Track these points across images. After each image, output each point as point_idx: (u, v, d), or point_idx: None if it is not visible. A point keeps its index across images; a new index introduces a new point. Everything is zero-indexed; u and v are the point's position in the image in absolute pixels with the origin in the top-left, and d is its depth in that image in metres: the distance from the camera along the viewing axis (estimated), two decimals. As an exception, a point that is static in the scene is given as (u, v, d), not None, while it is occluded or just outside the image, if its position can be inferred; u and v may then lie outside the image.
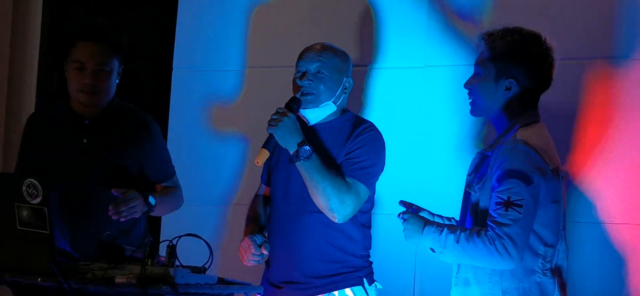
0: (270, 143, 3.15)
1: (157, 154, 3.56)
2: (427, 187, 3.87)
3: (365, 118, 3.46)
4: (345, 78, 3.25)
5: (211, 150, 4.38)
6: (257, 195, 3.48)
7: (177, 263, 2.75)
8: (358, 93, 3.99)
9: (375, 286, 3.27)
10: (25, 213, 2.75)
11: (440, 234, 2.83)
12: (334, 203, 3.10)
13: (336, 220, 3.13)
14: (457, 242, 2.79)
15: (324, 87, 3.21)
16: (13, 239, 2.77)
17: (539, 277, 2.86)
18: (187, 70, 4.43)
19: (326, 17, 4.19)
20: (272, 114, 3.15)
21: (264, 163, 3.28)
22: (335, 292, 3.20)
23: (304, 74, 3.21)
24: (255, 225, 3.37)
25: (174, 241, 2.77)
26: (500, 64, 2.94)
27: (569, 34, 3.55)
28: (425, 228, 2.87)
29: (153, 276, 2.68)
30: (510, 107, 2.95)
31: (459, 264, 2.98)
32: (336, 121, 3.26)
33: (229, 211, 4.30)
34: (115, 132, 3.46)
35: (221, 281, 2.88)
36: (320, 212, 3.17)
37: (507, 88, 2.94)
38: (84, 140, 3.43)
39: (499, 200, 2.78)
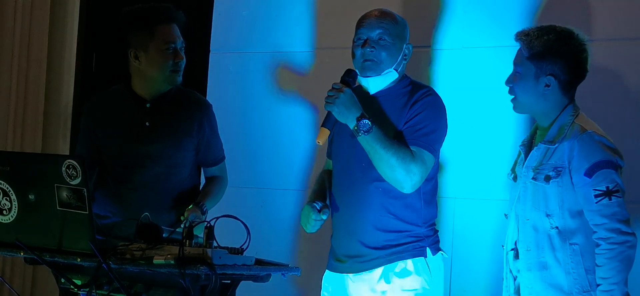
0: (329, 121, 3.13)
1: (213, 137, 3.65)
2: (491, 170, 3.90)
3: (428, 85, 3.43)
4: (405, 45, 3.21)
5: (248, 132, 4.40)
6: (323, 170, 3.47)
7: (214, 244, 2.78)
8: (422, 74, 4.02)
9: (441, 255, 3.25)
10: (65, 193, 2.78)
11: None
12: (400, 174, 3.07)
13: (404, 191, 3.11)
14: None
15: (386, 53, 3.17)
16: (53, 219, 2.81)
17: (601, 253, 2.97)
18: (224, 52, 4.47)
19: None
20: (328, 91, 3.12)
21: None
22: (399, 263, 3.18)
23: (365, 41, 3.17)
24: (318, 194, 3.35)
25: (212, 223, 2.80)
26: (539, 62, 3.05)
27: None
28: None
29: (191, 256, 2.71)
30: (551, 101, 3.06)
31: (527, 251, 3.09)
32: (395, 88, 3.22)
33: (266, 194, 4.34)
34: (175, 115, 3.56)
35: (258, 262, 2.91)
36: (380, 181, 3.14)
37: (547, 85, 3.04)
38: (147, 123, 3.52)
39: (598, 192, 2.92)
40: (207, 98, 4.40)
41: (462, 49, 4.04)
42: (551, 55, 3.04)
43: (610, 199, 2.94)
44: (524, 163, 3.14)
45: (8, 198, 2.89)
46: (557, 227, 3.02)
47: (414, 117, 3.14)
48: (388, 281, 3.17)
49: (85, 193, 2.74)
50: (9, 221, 2.92)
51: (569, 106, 3.09)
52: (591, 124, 3.06)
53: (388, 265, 3.17)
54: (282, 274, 3.05)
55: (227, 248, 2.83)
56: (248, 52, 4.40)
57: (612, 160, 2.98)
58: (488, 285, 3.79)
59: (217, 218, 2.90)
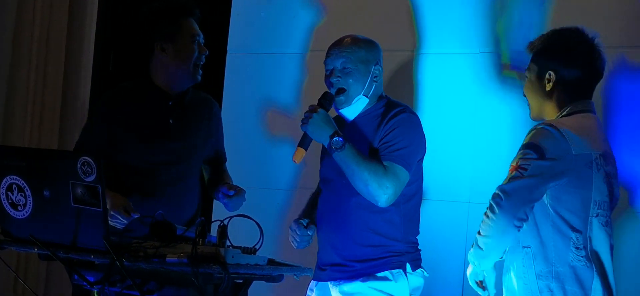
0: (305, 141, 3.29)
1: (222, 136, 3.72)
2: (477, 174, 3.91)
3: (404, 103, 3.53)
4: (373, 67, 3.33)
5: (264, 134, 4.42)
6: (318, 186, 3.59)
7: (227, 243, 2.79)
8: (407, 79, 4.06)
9: (422, 273, 3.33)
10: (79, 190, 2.80)
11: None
12: (373, 188, 3.19)
13: (379, 204, 3.22)
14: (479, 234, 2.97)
15: (352, 79, 3.30)
16: (67, 216, 2.83)
17: (573, 261, 2.93)
18: (241, 53, 4.49)
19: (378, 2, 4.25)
20: (305, 112, 3.27)
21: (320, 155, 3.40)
22: (377, 274, 3.27)
23: (331, 71, 3.32)
24: (306, 212, 3.50)
25: (225, 222, 2.81)
26: (540, 60, 3.06)
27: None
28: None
29: (204, 255, 2.72)
30: (558, 101, 3.04)
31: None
32: (370, 110, 3.35)
33: (280, 195, 4.36)
34: (194, 114, 3.62)
35: (271, 262, 2.92)
36: (360, 197, 3.26)
37: (548, 80, 3.02)
38: (170, 121, 3.55)
39: (512, 166, 2.92)
40: (223, 98, 4.48)
41: (450, 54, 4.09)
42: (549, 51, 3.05)
43: (511, 173, 2.93)
44: None
45: (23, 194, 2.90)
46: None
47: (387, 135, 3.27)
48: (366, 283, 3.29)
49: (100, 190, 2.75)
50: (23, 217, 2.93)
51: (573, 104, 3.04)
52: (565, 121, 3.01)
53: (368, 275, 3.29)
54: (295, 275, 3.07)
55: (240, 247, 2.85)
56: (265, 53, 4.43)
57: (539, 146, 2.93)
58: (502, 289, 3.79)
59: (231, 217, 2.91)
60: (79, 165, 2.77)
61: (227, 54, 4.51)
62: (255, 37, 4.47)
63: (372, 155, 3.29)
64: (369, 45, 3.41)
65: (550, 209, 2.93)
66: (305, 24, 4.39)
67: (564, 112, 3.03)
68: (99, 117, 3.65)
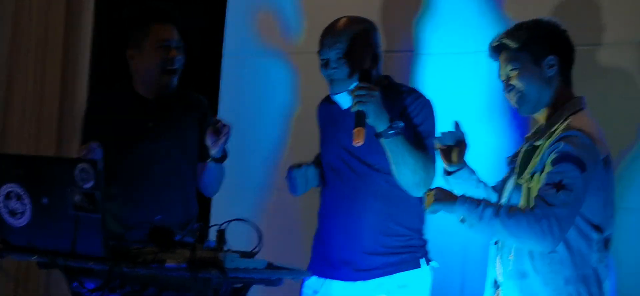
0: (363, 120, 3.04)
1: None
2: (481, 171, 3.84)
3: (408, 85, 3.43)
4: (372, 49, 3.17)
5: (260, 135, 4.43)
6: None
7: (226, 247, 2.80)
8: (405, 79, 4.01)
9: (432, 265, 3.28)
10: (77, 197, 2.80)
11: (477, 206, 2.85)
12: (421, 177, 3.07)
13: (417, 194, 3.11)
14: (497, 215, 2.81)
15: (349, 70, 3.13)
16: (66, 223, 2.84)
17: (595, 263, 2.89)
18: (237, 56, 4.51)
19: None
20: (356, 91, 3.03)
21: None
22: (395, 276, 3.19)
23: (326, 62, 3.15)
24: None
25: (224, 226, 2.83)
26: (533, 47, 2.95)
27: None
28: (459, 199, 2.88)
29: (203, 260, 2.72)
30: (558, 90, 2.97)
31: (509, 258, 3.00)
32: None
33: (278, 197, 4.36)
34: (176, 114, 3.58)
35: (270, 266, 2.92)
36: (378, 186, 3.14)
37: (551, 66, 2.93)
38: (150, 124, 3.53)
39: (551, 181, 2.79)
40: (220, 102, 4.47)
41: (449, 54, 4.07)
42: (542, 38, 2.96)
43: (557, 192, 2.79)
44: (515, 162, 3.10)
45: (21, 202, 2.91)
46: None
47: (420, 125, 3.16)
48: (384, 281, 3.20)
49: (98, 197, 2.76)
50: (22, 225, 2.94)
51: (571, 100, 2.98)
52: (583, 123, 2.93)
53: (385, 277, 3.19)
54: (294, 278, 3.06)
55: (238, 251, 2.84)
56: (261, 56, 4.43)
57: (580, 158, 2.82)
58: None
59: (229, 221, 2.93)
60: (77, 172, 2.78)
61: (223, 58, 4.55)
62: (251, 40, 4.49)
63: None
64: (364, 27, 3.24)
65: (579, 218, 2.90)
66: (302, 25, 4.39)
67: (569, 110, 2.95)
68: (89, 122, 3.66)
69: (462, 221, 2.90)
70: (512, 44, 2.97)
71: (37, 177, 2.93)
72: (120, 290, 2.97)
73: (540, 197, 2.80)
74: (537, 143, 2.95)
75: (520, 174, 2.98)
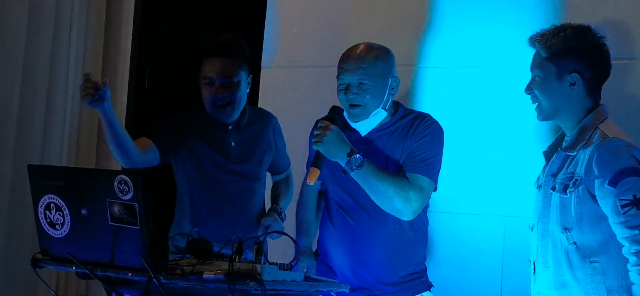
0: (319, 160, 3.12)
1: (283, 146, 3.85)
2: (482, 186, 3.94)
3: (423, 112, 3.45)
4: (390, 80, 3.20)
5: (299, 147, 4.46)
6: (308, 189, 3.45)
7: (263, 259, 2.80)
8: (406, 92, 4.08)
9: (431, 290, 3.33)
10: (116, 208, 2.82)
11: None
12: (398, 203, 3.09)
13: (405, 218, 3.12)
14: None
15: (369, 96, 3.16)
16: (105, 234, 2.86)
17: (634, 269, 2.87)
18: (274, 67, 4.53)
19: (384, 13, 4.29)
20: (314, 130, 3.13)
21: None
22: None
23: (347, 87, 3.16)
24: (306, 238, 3.40)
25: (262, 238, 2.82)
26: (560, 60, 2.96)
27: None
28: None
29: (240, 272, 2.72)
30: (579, 104, 2.96)
31: (545, 265, 3.01)
32: (391, 122, 3.24)
33: None
34: (254, 133, 3.71)
35: (307, 278, 2.91)
36: (383, 219, 3.16)
37: (572, 84, 2.95)
38: (232, 144, 3.65)
39: (625, 202, 2.80)
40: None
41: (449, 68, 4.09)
42: (572, 51, 2.95)
43: (638, 209, 2.78)
44: (545, 172, 3.08)
45: (61, 213, 2.94)
46: (575, 243, 2.91)
47: (414, 144, 3.16)
48: None
49: (137, 208, 2.77)
50: (61, 235, 2.97)
51: (594, 110, 2.98)
52: (615, 130, 2.92)
53: None
54: (331, 292, 3.06)
55: (276, 264, 2.84)
56: (297, 67, 4.45)
57: (637, 168, 2.82)
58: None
59: (266, 233, 2.94)
60: (115, 184, 2.79)
61: (261, 70, 4.58)
62: (288, 52, 4.53)
63: (396, 168, 3.19)
64: (385, 55, 3.25)
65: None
66: (336, 38, 4.40)
67: (598, 118, 2.96)
68: (168, 128, 3.73)
69: None
70: (542, 51, 2.99)
71: (76, 189, 2.94)
72: (158, 302, 2.92)
73: (624, 230, 2.81)
74: (572, 153, 2.97)
75: (551, 182, 3.00)
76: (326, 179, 3.32)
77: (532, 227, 3.07)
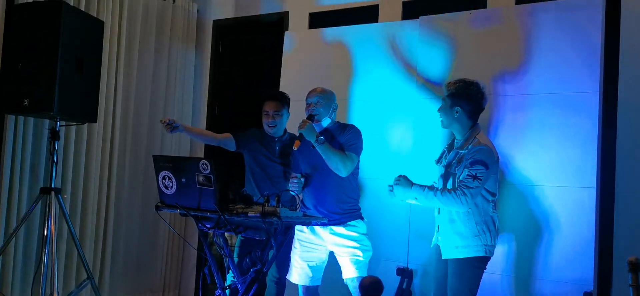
0: (301, 138, 4.20)
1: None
2: (393, 165, 4.86)
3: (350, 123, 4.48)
4: (333, 104, 4.46)
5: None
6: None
7: (281, 206, 3.87)
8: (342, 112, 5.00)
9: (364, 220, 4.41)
10: (201, 178, 3.78)
11: (423, 190, 3.96)
12: (341, 165, 4.27)
13: (343, 175, 4.30)
14: (436, 195, 3.89)
15: (322, 110, 4.39)
16: (195, 192, 3.85)
17: (490, 214, 3.97)
18: (297, 100, 5.15)
19: (327, 68, 5.25)
20: (300, 122, 4.26)
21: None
22: (348, 223, 4.38)
23: (310, 104, 4.39)
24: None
25: (281, 195, 3.94)
26: (451, 99, 4.02)
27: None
28: (413, 186, 3.96)
29: (268, 211, 3.82)
30: (461, 122, 4.02)
31: (443, 209, 3.98)
32: (334, 126, 4.41)
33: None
34: (287, 142, 4.92)
35: (305, 216, 4.12)
36: (332, 176, 4.23)
37: (457, 113, 4.00)
38: (276, 148, 4.86)
39: (471, 174, 3.85)
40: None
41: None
42: (458, 96, 3.94)
43: (472, 181, 3.80)
44: (446, 157, 4.03)
45: (171, 181, 3.93)
46: None
47: (347, 137, 4.34)
48: (343, 227, 4.32)
49: (212, 178, 3.74)
50: (171, 193, 3.95)
51: (473, 127, 3.94)
52: (484, 139, 3.91)
53: (343, 223, 4.33)
54: (313, 222, 4.22)
55: (287, 207, 3.95)
56: (295, 100, 5.18)
57: (486, 162, 3.79)
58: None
59: (283, 191, 4.13)
60: (200, 165, 3.77)
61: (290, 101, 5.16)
62: (299, 85, 5.19)
63: (338, 147, 4.19)
64: (330, 93, 4.38)
65: (483, 190, 3.89)
66: (342, 73, 5.29)
67: (471, 132, 3.88)
68: (246, 134, 4.87)
69: (415, 199, 3.91)
70: (445, 91, 4.03)
71: (179, 167, 3.87)
72: (224, 229, 4.00)
73: (462, 182, 3.85)
74: (462, 151, 3.96)
75: (449, 167, 4.00)
76: (301, 163, 4.52)
77: (437, 188, 4.01)
